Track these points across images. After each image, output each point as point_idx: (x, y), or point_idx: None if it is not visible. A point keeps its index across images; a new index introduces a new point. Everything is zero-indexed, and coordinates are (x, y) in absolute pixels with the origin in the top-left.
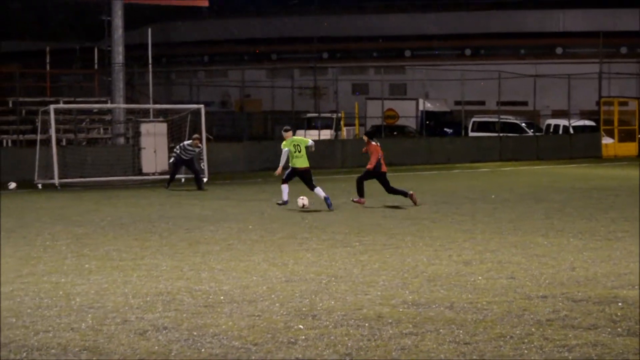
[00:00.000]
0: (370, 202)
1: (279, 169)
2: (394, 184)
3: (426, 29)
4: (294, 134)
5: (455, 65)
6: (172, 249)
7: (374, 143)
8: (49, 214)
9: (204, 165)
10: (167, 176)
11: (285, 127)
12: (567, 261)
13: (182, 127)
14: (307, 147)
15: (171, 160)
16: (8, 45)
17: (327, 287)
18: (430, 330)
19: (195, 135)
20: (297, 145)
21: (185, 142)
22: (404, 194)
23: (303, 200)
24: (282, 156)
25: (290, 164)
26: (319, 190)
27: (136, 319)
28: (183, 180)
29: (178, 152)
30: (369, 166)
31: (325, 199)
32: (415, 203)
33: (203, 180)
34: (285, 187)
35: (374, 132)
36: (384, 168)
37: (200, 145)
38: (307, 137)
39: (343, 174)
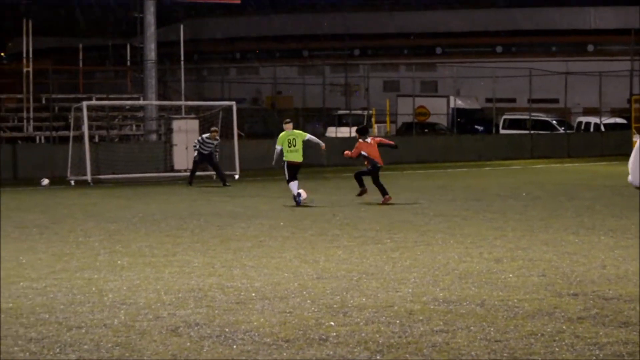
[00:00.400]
0: (400, 199)
1: (275, 162)
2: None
3: (457, 26)
4: (325, 130)
5: (487, 62)
6: (204, 245)
7: (360, 140)
8: (81, 211)
9: (217, 157)
10: (201, 173)
11: (286, 120)
12: (598, 259)
13: (213, 124)
14: (304, 141)
15: (195, 155)
16: (41, 42)
17: (358, 284)
18: (461, 327)
19: (213, 128)
20: (293, 139)
21: (204, 135)
22: (361, 188)
23: (302, 193)
24: (277, 153)
25: (284, 158)
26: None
27: (168, 315)
28: (214, 177)
29: (197, 146)
30: (346, 153)
31: (298, 194)
32: (360, 195)
33: (225, 175)
34: (291, 184)
35: (364, 129)
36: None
37: (218, 137)
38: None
39: None
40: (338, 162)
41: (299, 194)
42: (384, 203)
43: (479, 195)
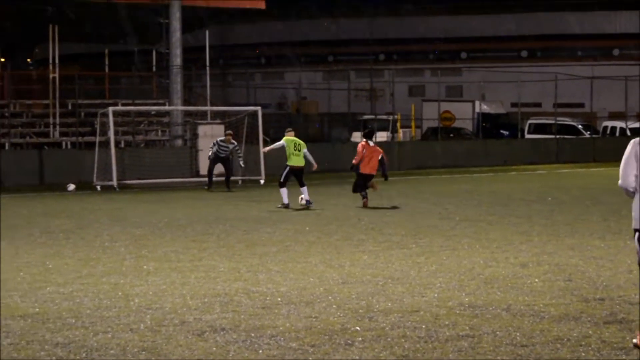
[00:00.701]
0: (427, 204)
1: (267, 149)
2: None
3: (482, 31)
4: (350, 135)
5: (512, 67)
6: (230, 250)
7: (362, 142)
8: (107, 216)
9: (242, 163)
10: (225, 178)
11: (288, 129)
12: (624, 264)
13: (239, 129)
14: (305, 154)
15: (209, 154)
16: (67, 48)
17: (384, 289)
18: (487, 332)
19: (228, 131)
20: (297, 144)
21: (219, 139)
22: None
23: (304, 197)
24: (276, 144)
25: (287, 162)
26: (304, 190)
27: (194, 320)
28: (240, 182)
29: (215, 149)
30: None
31: (307, 201)
32: (364, 205)
33: (230, 182)
34: (284, 191)
35: (370, 133)
36: (365, 170)
37: (233, 141)
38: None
39: (400, 175)
40: None
41: (302, 198)
42: (371, 186)
43: (504, 200)
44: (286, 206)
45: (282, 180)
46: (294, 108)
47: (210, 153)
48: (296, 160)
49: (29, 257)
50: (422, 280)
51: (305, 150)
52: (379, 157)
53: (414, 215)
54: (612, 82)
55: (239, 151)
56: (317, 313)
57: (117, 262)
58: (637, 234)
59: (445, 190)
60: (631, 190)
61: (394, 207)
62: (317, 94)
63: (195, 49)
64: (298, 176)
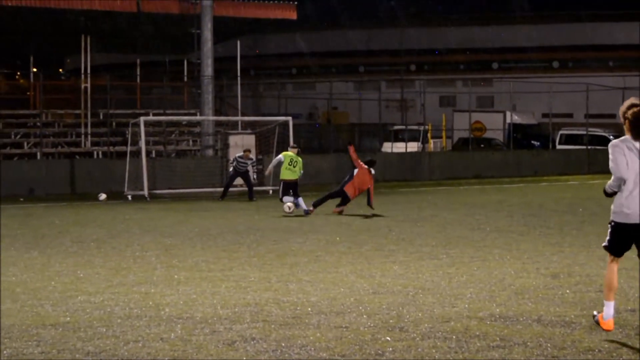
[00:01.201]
0: (457, 215)
1: (268, 170)
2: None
3: (514, 42)
4: (381, 146)
5: (543, 77)
6: (260, 260)
7: (365, 167)
8: (138, 225)
9: (255, 176)
10: (248, 190)
11: (292, 144)
12: None
13: (270, 139)
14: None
15: (230, 170)
16: (99, 58)
17: (414, 299)
18: (518, 343)
19: (246, 149)
20: (294, 161)
21: (237, 155)
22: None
23: (289, 204)
24: (274, 161)
25: (280, 177)
26: (300, 200)
27: (224, 329)
28: (270, 192)
29: (235, 164)
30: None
31: (305, 210)
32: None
33: (253, 192)
34: (285, 199)
35: (370, 162)
36: (349, 190)
37: (252, 156)
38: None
39: (430, 186)
40: (394, 177)
41: (297, 205)
42: (307, 212)
43: (535, 211)
44: (291, 208)
45: (280, 196)
46: (323, 118)
47: (230, 169)
48: (288, 175)
49: (60, 266)
50: (453, 290)
51: (301, 172)
52: (367, 187)
53: (444, 226)
54: None
55: (254, 166)
56: (348, 323)
57: (148, 271)
58: (613, 223)
59: (476, 201)
60: (625, 179)
61: (424, 218)
62: (348, 104)
63: (227, 59)
64: (293, 189)
